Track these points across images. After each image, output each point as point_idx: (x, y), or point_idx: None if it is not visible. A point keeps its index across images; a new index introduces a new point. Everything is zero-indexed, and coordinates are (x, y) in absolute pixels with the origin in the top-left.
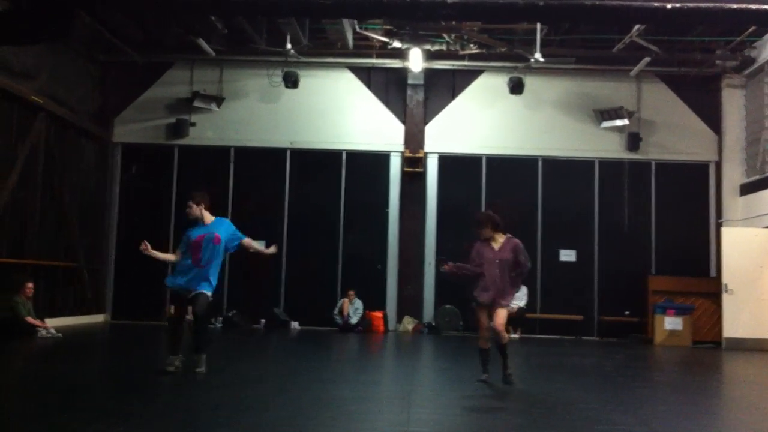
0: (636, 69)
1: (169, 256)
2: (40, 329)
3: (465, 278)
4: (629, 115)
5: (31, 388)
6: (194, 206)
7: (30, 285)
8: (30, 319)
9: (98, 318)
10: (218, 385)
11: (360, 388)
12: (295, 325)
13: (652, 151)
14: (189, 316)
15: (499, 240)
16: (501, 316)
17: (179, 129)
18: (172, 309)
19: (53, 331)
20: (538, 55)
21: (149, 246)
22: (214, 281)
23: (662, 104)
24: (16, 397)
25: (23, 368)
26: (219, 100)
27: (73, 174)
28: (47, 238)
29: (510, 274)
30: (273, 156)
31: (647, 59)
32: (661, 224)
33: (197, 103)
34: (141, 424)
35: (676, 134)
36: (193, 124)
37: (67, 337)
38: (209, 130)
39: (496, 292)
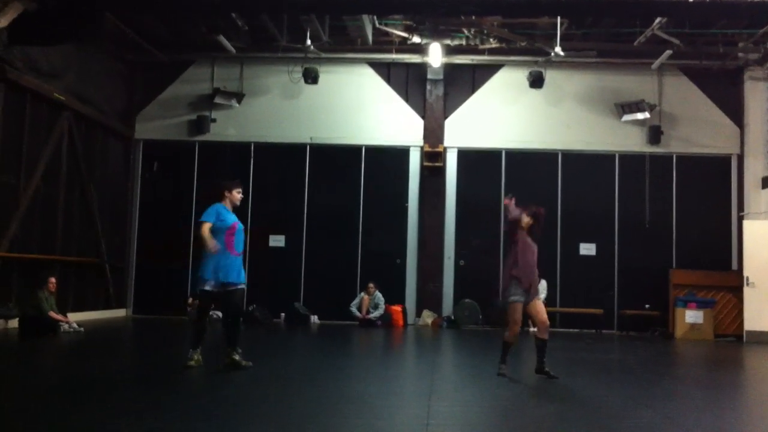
0: (657, 62)
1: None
2: (63, 324)
3: (512, 220)
4: (650, 108)
5: (56, 383)
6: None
7: (53, 280)
8: (53, 314)
9: (120, 313)
10: (241, 380)
11: (381, 382)
12: (315, 319)
13: (674, 145)
14: (215, 312)
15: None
16: (543, 310)
17: (200, 125)
18: (197, 301)
19: (75, 325)
20: (558, 49)
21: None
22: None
23: (684, 97)
24: (42, 391)
25: (48, 363)
26: (240, 97)
27: (98, 171)
28: (72, 235)
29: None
30: (293, 152)
31: (669, 52)
32: (683, 218)
33: (218, 100)
34: (167, 418)
35: (697, 127)
36: (214, 121)
37: (89, 331)
38: (230, 126)
39: (531, 284)
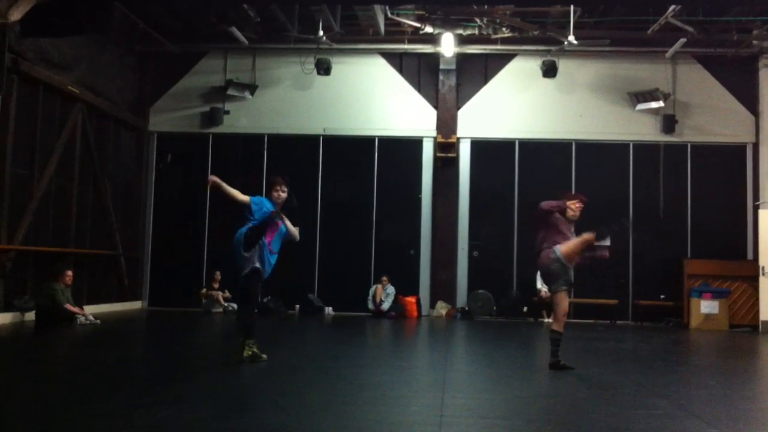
0: (671, 50)
1: (239, 195)
2: (79, 316)
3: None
4: (664, 97)
5: (72, 374)
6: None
7: (69, 273)
8: (69, 306)
9: (135, 305)
10: (256, 371)
11: (395, 373)
12: (329, 310)
13: (688, 134)
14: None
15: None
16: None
17: (213, 117)
18: (210, 292)
19: (92, 317)
20: (571, 38)
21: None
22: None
23: (698, 86)
24: (60, 383)
25: (64, 355)
26: (252, 88)
27: (111, 163)
28: (86, 227)
29: None
30: (306, 143)
31: (683, 40)
32: (697, 207)
33: (231, 92)
34: (185, 408)
35: (712, 116)
36: (227, 113)
37: (105, 323)
38: (243, 118)
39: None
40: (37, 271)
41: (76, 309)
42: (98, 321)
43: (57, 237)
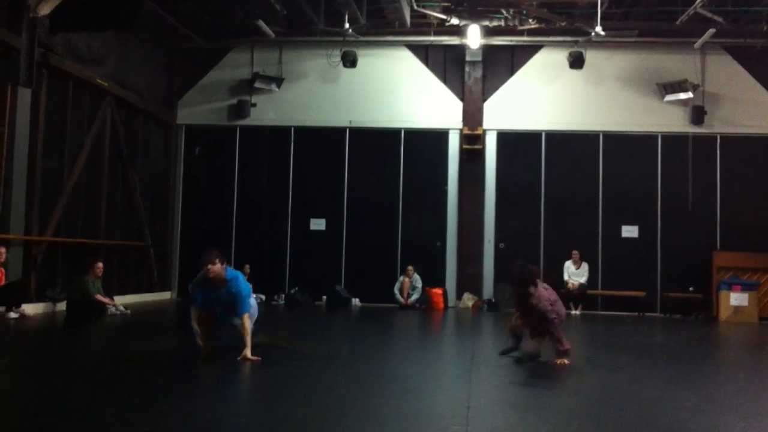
0: (700, 41)
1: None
2: (109, 307)
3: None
4: (693, 88)
5: (105, 364)
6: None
7: (100, 265)
8: (99, 297)
9: (164, 296)
10: (282, 362)
11: (422, 364)
12: (356, 302)
13: (717, 125)
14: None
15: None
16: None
17: (240, 110)
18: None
19: (122, 308)
20: (599, 29)
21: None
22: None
23: (728, 76)
24: (91, 373)
25: (94, 345)
26: (279, 81)
27: (140, 156)
28: (116, 219)
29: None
30: (332, 135)
31: (712, 31)
32: (727, 199)
33: (258, 84)
34: (215, 399)
35: (742, 107)
36: (254, 105)
37: (135, 314)
38: (270, 110)
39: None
40: (67, 263)
41: (106, 300)
42: (128, 311)
43: (87, 229)
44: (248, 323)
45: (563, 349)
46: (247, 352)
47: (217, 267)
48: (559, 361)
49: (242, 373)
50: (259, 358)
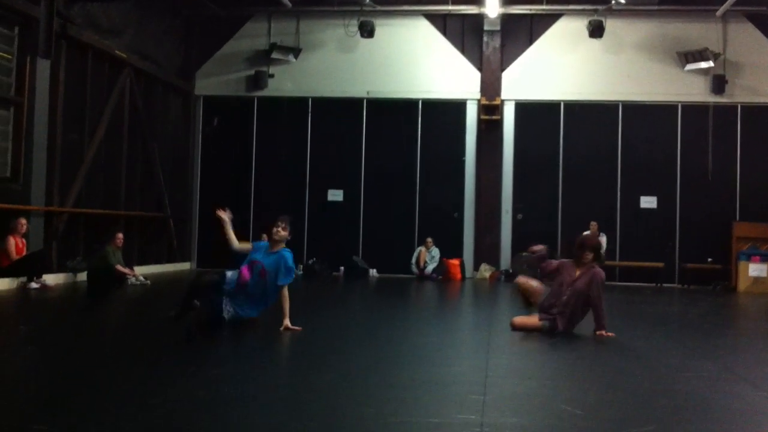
0: (722, 9)
1: (237, 244)
2: (129, 277)
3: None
4: (714, 57)
5: (125, 334)
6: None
7: (120, 236)
8: (120, 268)
9: (184, 266)
10: (302, 332)
11: (440, 335)
12: (373, 272)
13: (738, 94)
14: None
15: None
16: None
17: (258, 81)
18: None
19: (142, 278)
20: None
21: (227, 218)
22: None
23: (749, 45)
24: (110, 342)
25: (116, 315)
26: (296, 52)
27: (159, 127)
28: (135, 190)
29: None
30: (350, 106)
31: None
32: (747, 169)
33: (275, 55)
34: (232, 368)
35: (763, 76)
36: (272, 76)
37: (155, 284)
38: (287, 81)
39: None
40: (88, 233)
41: (126, 270)
42: (148, 282)
43: (107, 200)
44: (287, 295)
45: (605, 322)
46: (287, 321)
47: (285, 233)
48: (606, 333)
49: (260, 341)
50: (300, 328)
